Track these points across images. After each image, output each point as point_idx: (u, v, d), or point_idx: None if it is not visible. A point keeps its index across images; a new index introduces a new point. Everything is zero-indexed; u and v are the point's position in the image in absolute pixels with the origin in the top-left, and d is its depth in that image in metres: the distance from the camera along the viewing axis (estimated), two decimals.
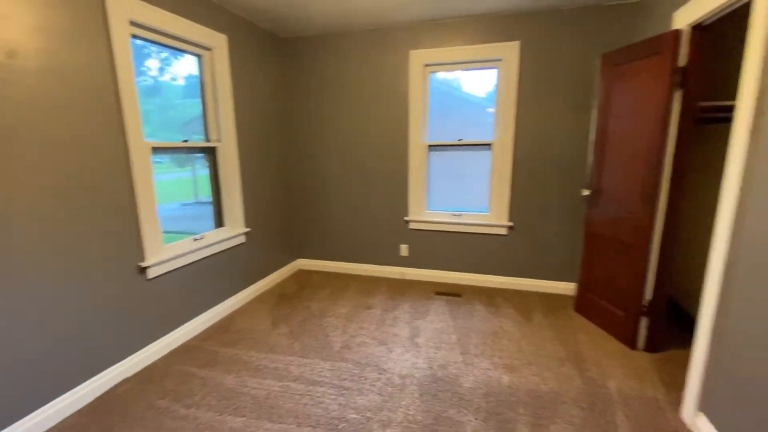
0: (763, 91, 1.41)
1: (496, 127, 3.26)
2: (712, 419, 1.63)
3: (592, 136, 2.72)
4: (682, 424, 1.78)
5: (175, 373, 2.22)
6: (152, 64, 2.54)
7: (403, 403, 1.95)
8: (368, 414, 1.87)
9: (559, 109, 3.05)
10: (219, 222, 3.05)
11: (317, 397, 2.00)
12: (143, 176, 2.21)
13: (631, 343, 2.42)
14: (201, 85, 2.81)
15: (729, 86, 2.25)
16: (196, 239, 2.70)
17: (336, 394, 2.02)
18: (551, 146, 3.12)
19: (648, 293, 2.35)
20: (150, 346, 2.34)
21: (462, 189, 3.54)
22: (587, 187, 2.77)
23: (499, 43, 3.08)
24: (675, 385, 2.06)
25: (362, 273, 3.87)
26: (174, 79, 2.71)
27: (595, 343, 2.52)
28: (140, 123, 2.17)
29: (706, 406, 1.68)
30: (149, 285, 2.31)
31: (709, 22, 1.94)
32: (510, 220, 3.32)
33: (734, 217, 1.53)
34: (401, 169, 3.53)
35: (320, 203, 3.85)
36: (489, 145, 3.31)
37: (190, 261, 2.62)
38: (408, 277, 3.72)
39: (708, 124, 2.60)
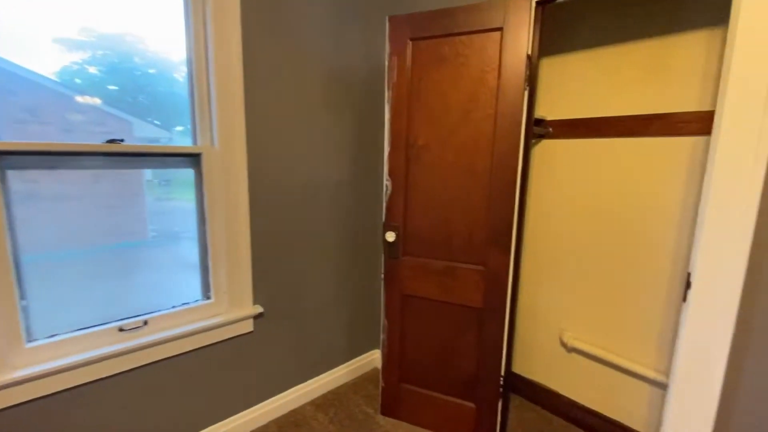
0: None
1: (202, 123, 1.53)
2: None
3: (387, 148, 1.73)
4: None
5: None
6: None
7: None
8: None
9: (314, 101, 1.81)
10: None
11: None
12: None
13: None
14: None
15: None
16: None
17: None
18: (307, 163, 1.83)
19: (503, 368, 1.71)
20: None
21: (137, 262, 1.50)
22: (388, 228, 1.76)
23: None
24: None
25: None
26: None
27: None
28: None
29: None
30: None
31: None
32: (257, 301, 1.73)
33: None
34: None
35: None
36: (194, 156, 1.52)
37: None
38: None
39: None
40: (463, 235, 1.62)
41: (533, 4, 1.41)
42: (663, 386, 1.59)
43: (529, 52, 1.44)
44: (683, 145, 1.48)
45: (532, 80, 1.49)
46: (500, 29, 1.44)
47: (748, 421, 1.02)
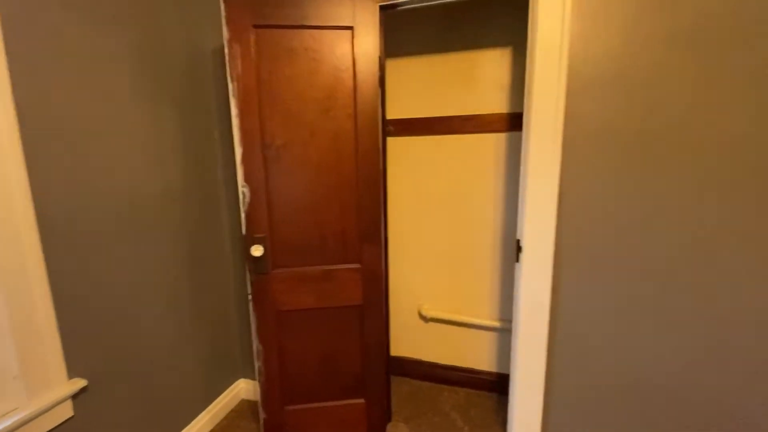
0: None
1: None
2: None
3: (238, 150, 1.47)
4: None
5: None
6: None
7: None
8: None
9: (124, 90, 1.38)
10: None
11: None
12: None
13: (384, 427, 1.80)
14: None
15: None
16: None
17: None
18: (126, 173, 1.39)
19: (386, 356, 1.79)
20: None
21: None
22: (253, 241, 1.53)
23: None
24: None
25: None
26: None
27: None
28: None
29: None
30: None
31: (404, 8, 1.53)
32: (75, 373, 1.21)
33: None
34: None
35: None
36: None
37: None
38: None
39: None
40: (337, 236, 1.60)
41: (377, 8, 1.48)
42: (498, 330, 2.02)
43: (380, 54, 1.51)
44: (492, 139, 1.88)
45: (383, 81, 1.58)
46: (351, 28, 1.45)
47: (567, 339, 1.43)
